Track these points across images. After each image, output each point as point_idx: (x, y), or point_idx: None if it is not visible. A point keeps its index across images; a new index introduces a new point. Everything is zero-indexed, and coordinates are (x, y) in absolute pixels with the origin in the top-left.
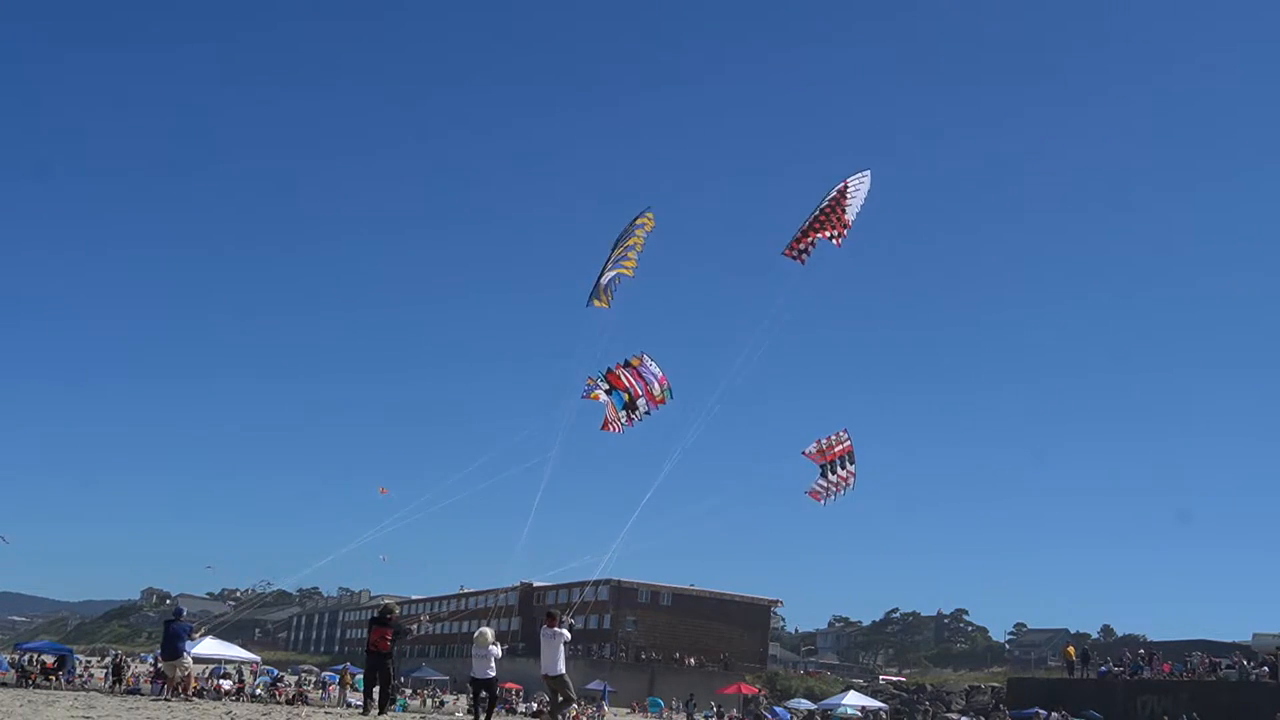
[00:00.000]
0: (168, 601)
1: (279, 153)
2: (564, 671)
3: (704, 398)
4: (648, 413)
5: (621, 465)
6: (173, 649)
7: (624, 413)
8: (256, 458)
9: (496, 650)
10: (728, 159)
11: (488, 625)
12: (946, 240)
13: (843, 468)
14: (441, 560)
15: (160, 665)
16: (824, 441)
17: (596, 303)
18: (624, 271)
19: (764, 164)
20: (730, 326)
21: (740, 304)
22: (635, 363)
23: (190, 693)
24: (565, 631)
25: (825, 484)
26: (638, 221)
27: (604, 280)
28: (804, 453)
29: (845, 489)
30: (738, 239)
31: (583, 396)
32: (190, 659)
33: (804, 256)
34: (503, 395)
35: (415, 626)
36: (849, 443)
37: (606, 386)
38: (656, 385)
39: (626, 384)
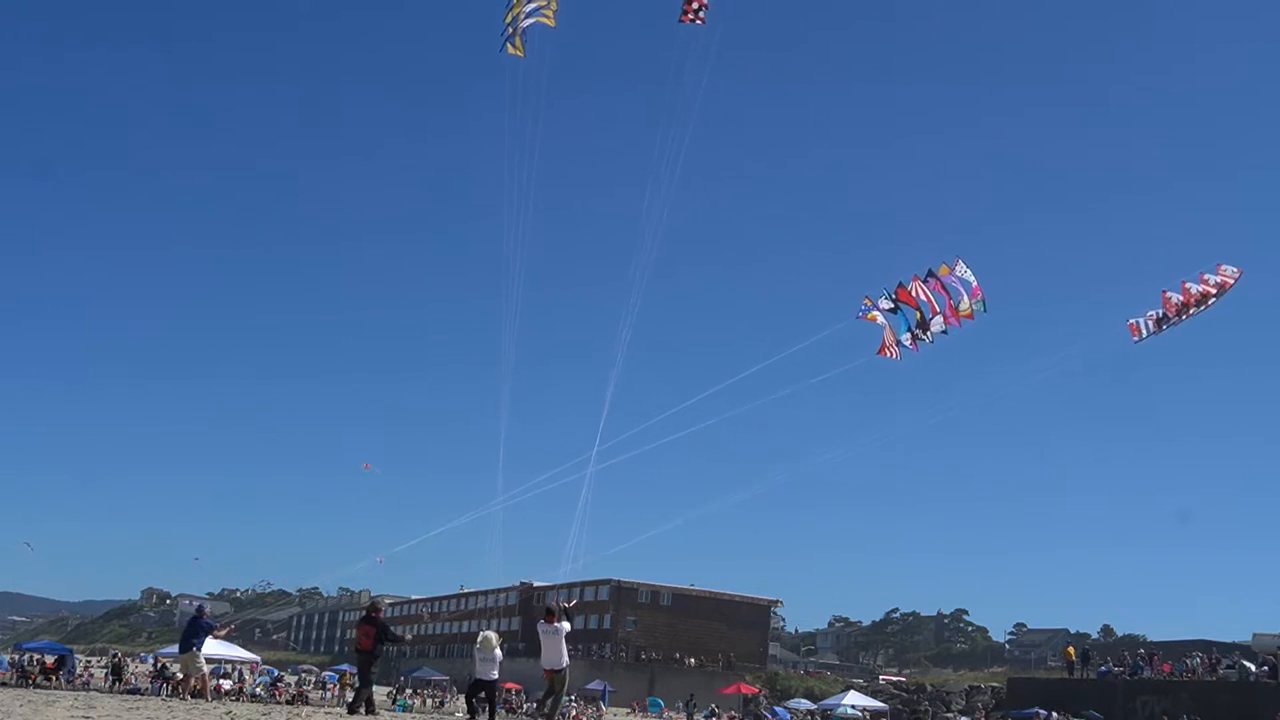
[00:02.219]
0: (168, 601)
1: (280, 153)
2: (567, 665)
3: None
4: (944, 332)
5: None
6: (185, 643)
7: (907, 334)
8: (256, 457)
9: (499, 654)
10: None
11: (491, 630)
12: (945, 239)
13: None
14: (441, 560)
15: (174, 661)
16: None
17: (511, 49)
18: (545, 20)
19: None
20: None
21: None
22: (944, 271)
23: (206, 694)
24: (566, 625)
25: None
26: None
27: (523, 24)
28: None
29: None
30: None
31: (858, 317)
32: (203, 657)
33: (701, 15)
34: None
35: (406, 632)
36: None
37: (891, 304)
38: (965, 299)
39: (920, 299)
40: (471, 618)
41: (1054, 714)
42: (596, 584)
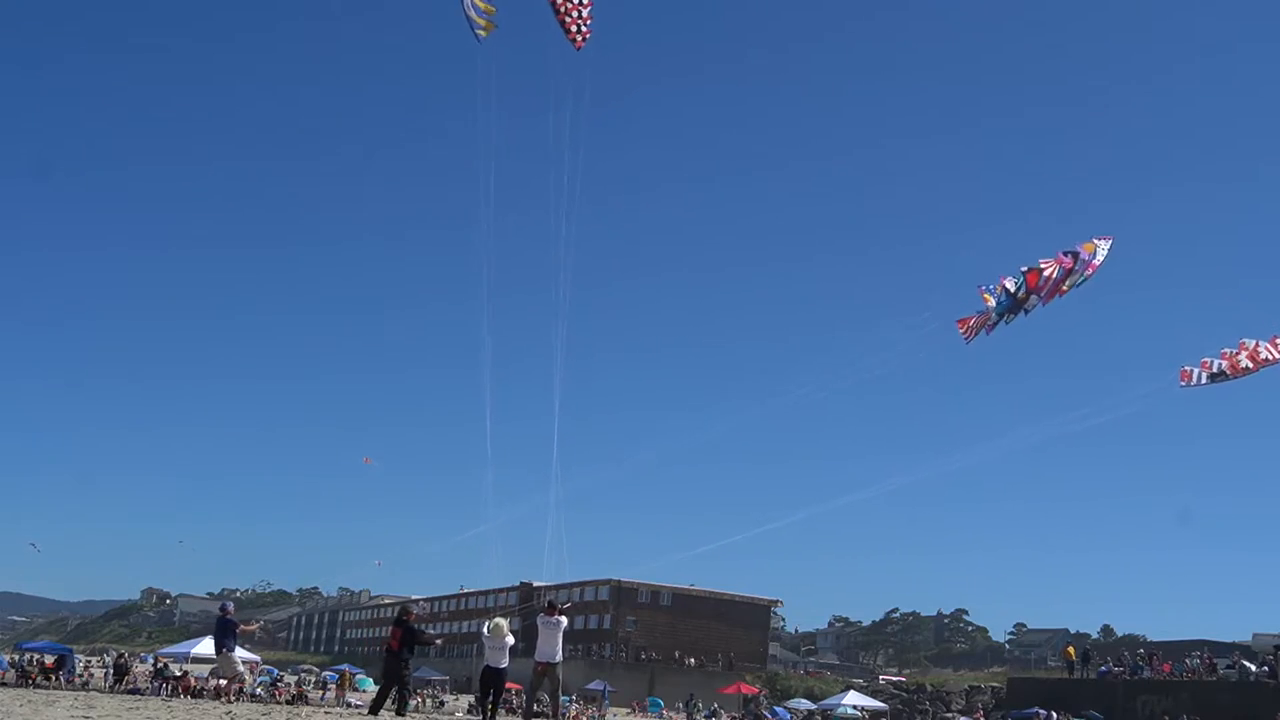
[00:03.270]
0: (167, 601)
1: (280, 153)
2: (561, 660)
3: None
4: (1026, 312)
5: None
6: (218, 645)
7: (995, 315)
8: (255, 458)
9: (511, 640)
10: (727, 159)
11: (503, 617)
12: (944, 240)
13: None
14: (441, 560)
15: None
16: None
17: (482, 33)
18: None
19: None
20: None
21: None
22: (1088, 248)
23: (233, 693)
24: (564, 619)
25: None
26: None
27: (473, 12)
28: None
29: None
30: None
31: (979, 288)
32: (236, 658)
33: (585, 30)
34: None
35: (433, 631)
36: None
37: (1015, 286)
38: (1085, 273)
39: (1042, 280)
40: (471, 617)
41: (1054, 714)
42: (596, 584)
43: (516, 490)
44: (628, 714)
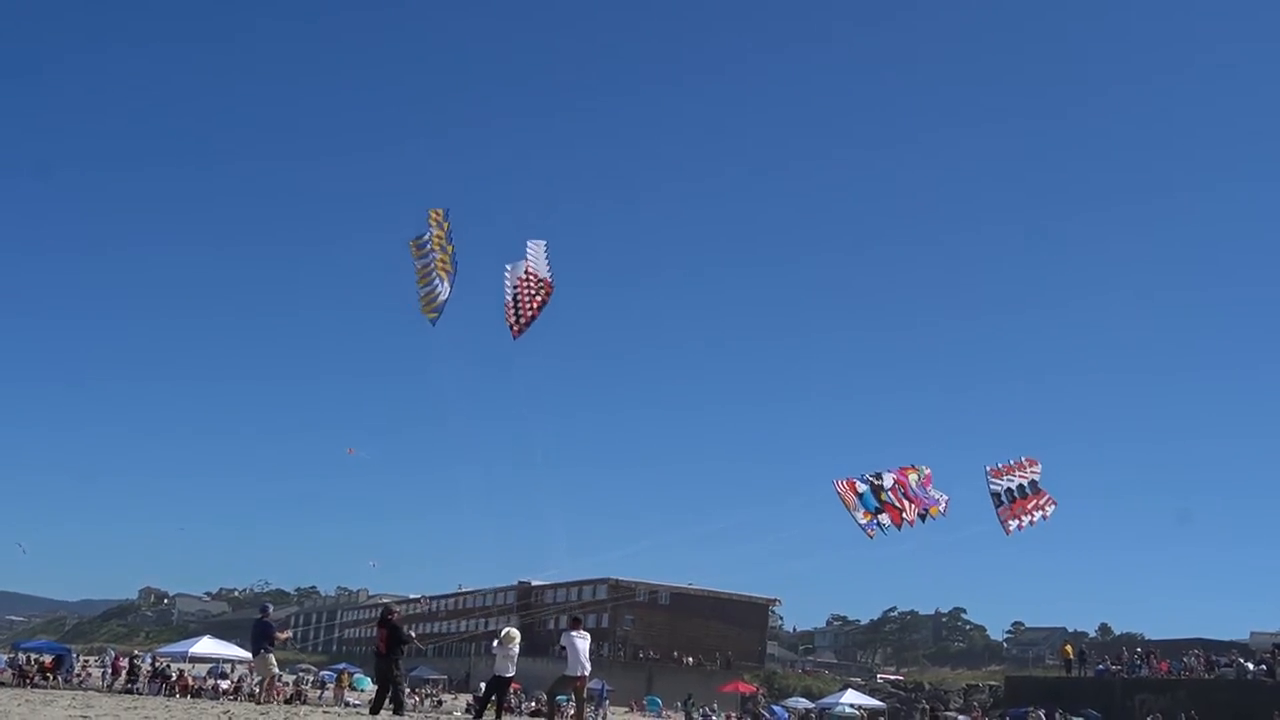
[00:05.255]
0: (165, 601)
1: (281, 152)
2: (589, 672)
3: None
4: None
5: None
6: (255, 647)
7: (863, 514)
8: (255, 458)
9: (516, 651)
10: (724, 162)
11: (513, 626)
12: (945, 240)
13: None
14: (439, 559)
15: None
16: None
17: (433, 315)
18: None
19: (761, 162)
20: None
21: None
22: (934, 510)
23: (274, 696)
24: (588, 633)
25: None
26: (433, 227)
27: (443, 298)
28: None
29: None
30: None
31: (857, 510)
32: (273, 660)
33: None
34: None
35: (413, 633)
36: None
37: (883, 522)
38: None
39: (896, 511)
40: (470, 616)
41: (1048, 713)
42: (594, 583)
43: (516, 490)
44: (626, 713)
